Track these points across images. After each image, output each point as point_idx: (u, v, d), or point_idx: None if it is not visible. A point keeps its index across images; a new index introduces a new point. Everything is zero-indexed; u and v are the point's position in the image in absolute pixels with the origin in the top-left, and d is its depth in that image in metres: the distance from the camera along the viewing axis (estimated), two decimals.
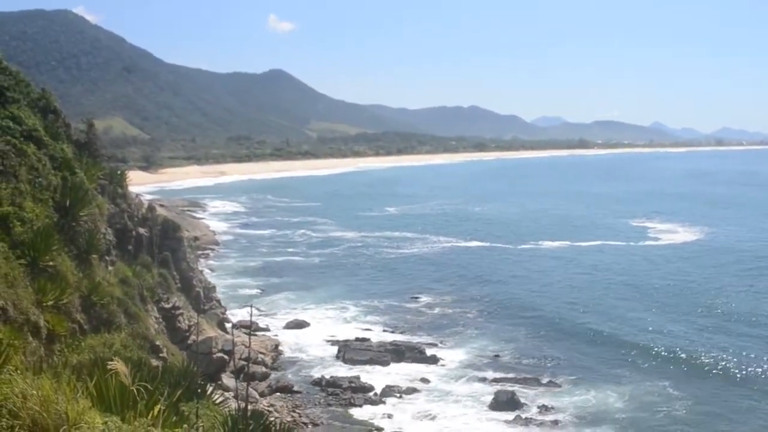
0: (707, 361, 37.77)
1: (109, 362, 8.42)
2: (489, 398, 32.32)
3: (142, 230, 31.45)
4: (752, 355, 38.38)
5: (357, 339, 41.20)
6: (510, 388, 33.22)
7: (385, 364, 37.53)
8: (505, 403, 31.70)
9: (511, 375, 35.89)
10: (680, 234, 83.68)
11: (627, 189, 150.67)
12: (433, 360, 38.23)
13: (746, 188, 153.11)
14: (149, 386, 8.49)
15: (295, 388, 34.03)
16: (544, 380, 35.18)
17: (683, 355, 38.73)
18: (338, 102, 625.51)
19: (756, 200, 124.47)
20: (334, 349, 39.75)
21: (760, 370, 36.26)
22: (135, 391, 8.17)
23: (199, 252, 63.81)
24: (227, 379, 31.19)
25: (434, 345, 40.80)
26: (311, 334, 43.04)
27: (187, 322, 31.48)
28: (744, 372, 36.05)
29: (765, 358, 37.75)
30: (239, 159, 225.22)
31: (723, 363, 37.32)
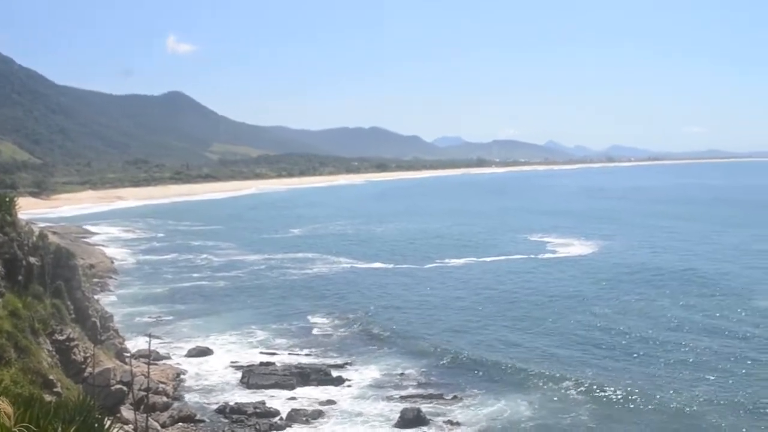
0: (609, 366, 39.25)
1: None
2: (396, 417, 32.50)
3: (33, 259, 30.23)
4: (647, 357, 40.17)
5: (261, 363, 40.70)
6: (416, 406, 33.47)
7: (290, 387, 37.18)
8: (411, 420, 31.93)
9: (416, 392, 36.26)
10: (576, 247, 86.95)
11: (524, 205, 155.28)
12: (339, 381, 38.18)
13: (634, 204, 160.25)
14: (40, 424, 8.16)
15: (198, 417, 33.22)
16: (449, 396, 35.70)
17: (586, 362, 40.16)
18: (240, 124, 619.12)
19: (643, 214, 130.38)
20: (238, 375, 39.11)
21: (656, 370, 37.95)
22: None
23: (96, 280, 61.67)
24: (127, 412, 30.19)
25: (339, 366, 40.75)
26: (214, 360, 42.21)
27: (82, 353, 30.38)
28: (642, 374, 37.64)
29: (661, 361, 39.58)
30: (137, 183, 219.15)
31: (623, 367, 38.90)
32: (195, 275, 70.30)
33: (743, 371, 37.80)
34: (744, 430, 30.53)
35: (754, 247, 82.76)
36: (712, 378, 36.95)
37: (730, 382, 36.20)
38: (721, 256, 76.15)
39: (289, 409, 33.70)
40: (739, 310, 50.90)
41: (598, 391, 35.34)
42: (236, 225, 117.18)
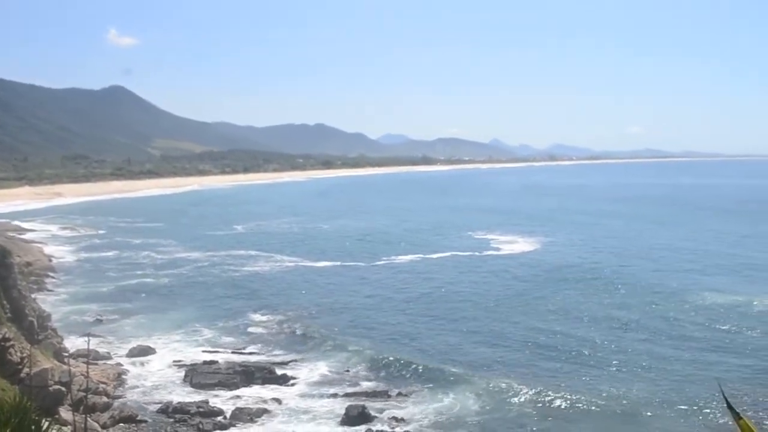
0: (551, 362, 40.01)
1: None
2: (341, 414, 32.53)
3: None
4: (585, 355, 41.03)
5: (205, 362, 40.25)
6: (361, 403, 33.58)
7: (234, 386, 36.89)
8: (356, 417, 32.03)
9: (361, 390, 36.38)
10: (519, 244, 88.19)
11: (469, 203, 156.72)
12: (284, 379, 38.03)
13: (575, 201, 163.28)
14: None
15: (140, 417, 32.69)
16: (394, 392, 35.91)
17: (528, 360, 40.87)
18: (183, 119, 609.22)
19: (583, 212, 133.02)
20: (181, 374, 38.63)
21: (604, 357, 38.78)
22: None
23: (34, 279, 60.09)
24: (65, 413, 29.53)
25: (284, 364, 40.60)
26: (157, 359, 41.58)
27: (19, 354, 29.58)
28: (581, 364, 38.42)
29: (599, 359, 40.47)
30: (76, 179, 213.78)
31: (563, 355, 39.72)
32: (137, 273, 69.00)
33: (678, 369, 38.80)
34: (679, 428, 31.37)
35: (687, 245, 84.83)
36: (650, 375, 37.97)
37: (665, 381, 37.07)
38: (656, 255, 77.90)
39: (233, 408, 33.45)
40: (675, 309, 52.22)
41: (541, 387, 35.91)
42: (179, 222, 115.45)
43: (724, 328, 46.42)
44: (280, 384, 37.45)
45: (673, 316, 49.80)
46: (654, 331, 46.19)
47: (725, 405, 2.46)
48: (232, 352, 42.92)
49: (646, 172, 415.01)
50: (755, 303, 51.27)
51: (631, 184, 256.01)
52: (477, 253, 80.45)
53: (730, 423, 2.53)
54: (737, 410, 2.42)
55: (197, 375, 37.93)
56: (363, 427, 31.33)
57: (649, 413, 32.44)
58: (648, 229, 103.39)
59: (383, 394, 35.55)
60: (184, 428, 31.49)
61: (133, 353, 42.36)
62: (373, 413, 32.60)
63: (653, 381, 36.69)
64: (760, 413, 31.31)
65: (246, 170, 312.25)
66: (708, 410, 31.93)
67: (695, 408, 32.75)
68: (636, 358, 40.65)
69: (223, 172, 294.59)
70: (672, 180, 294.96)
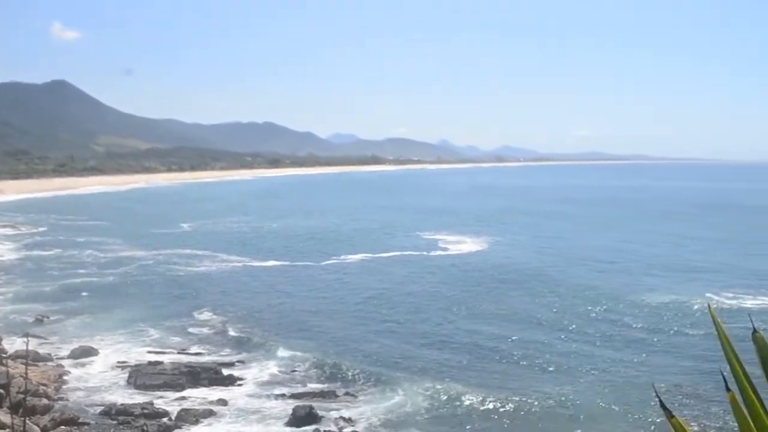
0: (498, 356, 40.44)
1: None
2: (288, 415, 32.38)
3: None
4: (533, 345, 41.66)
5: (150, 363, 39.60)
6: (308, 403, 33.46)
7: (180, 387, 36.40)
8: (303, 418, 31.89)
9: (309, 390, 36.24)
10: (467, 245, 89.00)
11: (417, 203, 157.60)
12: (231, 380, 37.69)
13: (523, 201, 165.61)
14: None
15: (82, 420, 31.98)
16: (342, 392, 35.89)
17: (475, 356, 41.28)
18: (128, 116, 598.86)
19: (530, 212, 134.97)
20: (125, 375, 37.93)
21: (547, 359, 39.39)
22: None
23: None
24: (3, 415, 28.77)
25: (231, 365, 40.22)
26: (100, 360, 40.75)
27: None
28: (529, 365, 38.98)
29: (548, 347, 41.12)
30: (17, 176, 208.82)
31: (507, 357, 40.22)
32: (80, 272, 67.51)
33: (618, 371, 39.38)
34: (616, 428, 32.01)
35: (630, 247, 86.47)
36: (590, 377, 38.68)
37: (605, 382, 37.55)
38: (600, 256, 79.02)
39: (179, 410, 33.01)
40: (617, 310, 52.98)
41: (486, 388, 36.19)
42: (124, 220, 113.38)
43: (663, 328, 47.53)
44: (227, 385, 37.10)
45: (614, 318, 50.67)
46: (595, 333, 46.93)
47: (659, 404, 2.57)
48: (178, 353, 42.33)
49: (593, 174, 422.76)
50: (694, 304, 52.59)
51: (577, 186, 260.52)
52: (425, 253, 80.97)
53: (664, 422, 2.62)
54: (669, 409, 2.52)
55: (141, 376, 37.32)
56: (311, 428, 31.22)
57: (588, 414, 32.87)
58: (592, 230, 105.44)
59: (331, 395, 35.49)
60: (128, 430, 30.94)
61: (75, 354, 41.44)
62: (320, 413, 32.53)
63: (593, 382, 37.23)
64: (696, 411, 32.21)
65: (193, 168, 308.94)
66: (646, 410, 32.58)
67: (633, 407, 33.31)
68: (577, 359, 41.23)
69: (170, 170, 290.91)
70: (617, 182, 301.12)
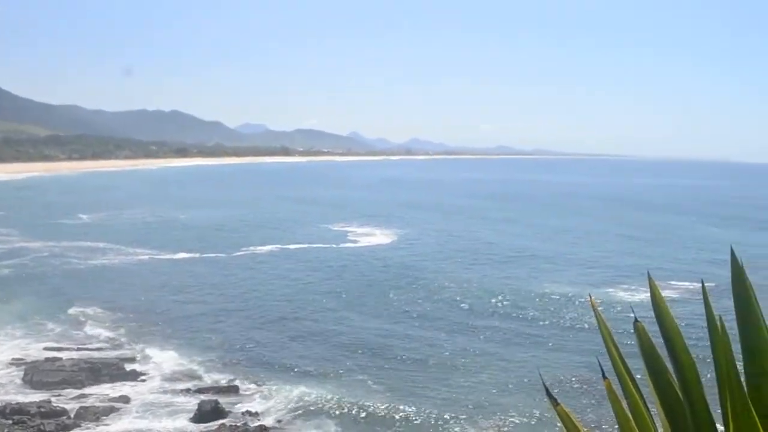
0: (400, 350, 40.88)
1: None
2: (193, 410, 31.84)
3: None
4: (436, 342, 42.34)
5: (47, 359, 38.16)
6: (213, 398, 33.00)
7: (79, 384, 35.22)
8: (209, 413, 31.43)
9: (214, 385, 35.70)
10: (376, 237, 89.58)
11: (328, 195, 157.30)
12: (133, 375, 36.74)
13: (431, 195, 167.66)
14: None
15: None
16: (247, 386, 35.55)
17: (380, 347, 41.82)
18: (25, 101, 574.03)
19: (437, 207, 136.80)
20: (21, 373, 36.41)
21: (445, 354, 40.06)
22: None
23: None
24: None
25: (133, 360, 39.20)
26: None
27: None
28: (429, 356, 39.58)
29: (448, 342, 41.85)
30: None
31: (413, 352, 40.69)
32: None
33: (508, 366, 40.09)
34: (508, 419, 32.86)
35: (526, 243, 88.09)
36: (484, 373, 39.52)
37: (498, 375, 38.22)
38: (497, 251, 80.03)
39: (78, 407, 31.96)
40: (513, 304, 53.85)
41: (386, 383, 36.54)
42: (20, 210, 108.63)
43: (554, 321, 48.82)
44: (129, 381, 36.14)
45: (507, 312, 51.45)
46: (493, 327, 47.41)
47: (545, 393, 2.68)
48: (78, 349, 40.91)
49: (498, 168, 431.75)
50: (581, 296, 54.15)
51: (482, 180, 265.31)
52: (334, 245, 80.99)
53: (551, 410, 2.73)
54: (555, 398, 2.64)
55: (39, 373, 35.89)
56: (216, 423, 30.82)
57: (479, 406, 33.41)
58: (492, 224, 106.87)
59: (236, 389, 35.08)
60: (23, 430, 29.76)
61: None
62: (226, 408, 32.16)
63: (486, 376, 37.70)
64: (584, 400, 33.37)
65: (96, 156, 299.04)
66: (536, 400, 33.32)
67: (522, 399, 34.14)
68: (470, 353, 41.53)
69: (71, 158, 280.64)
70: (520, 176, 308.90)
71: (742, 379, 2.46)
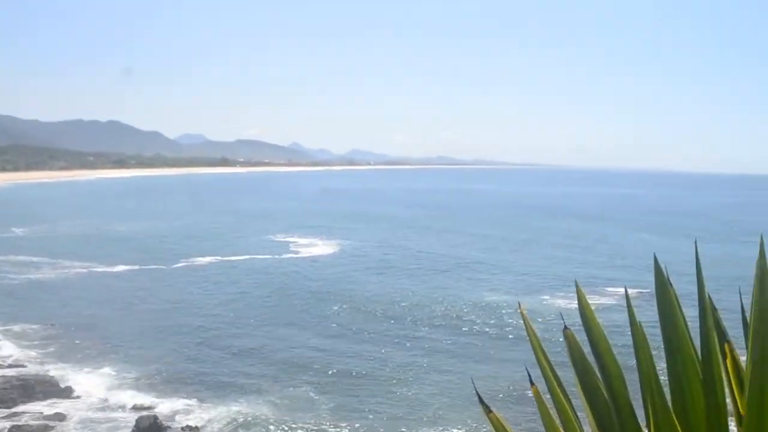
0: (340, 364, 40.81)
1: None
2: (130, 426, 31.20)
3: None
4: (379, 355, 42.42)
5: None
6: (152, 413, 32.43)
7: (11, 403, 34.21)
8: (147, 428, 30.94)
9: (152, 400, 35.17)
10: (318, 247, 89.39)
11: (269, 206, 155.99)
12: (69, 392, 35.88)
13: (372, 205, 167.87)
14: None
15: None
16: (189, 400, 35.14)
17: (320, 361, 41.64)
18: None
19: (378, 215, 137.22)
20: None
21: (384, 368, 40.12)
22: None
23: None
24: None
25: (68, 377, 38.24)
26: None
27: None
28: (368, 370, 39.60)
29: (387, 355, 41.97)
30: None
31: (353, 366, 40.71)
32: None
33: (440, 379, 40.40)
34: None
35: (460, 252, 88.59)
36: (418, 386, 39.92)
37: (434, 387, 38.57)
38: (436, 262, 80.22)
39: (10, 426, 31.00)
40: (449, 315, 54.22)
41: (333, 392, 36.71)
42: None
43: (491, 330, 49.24)
44: (64, 398, 35.28)
45: (449, 323, 51.77)
46: (431, 339, 47.57)
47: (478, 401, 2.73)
48: (9, 366, 39.70)
49: (440, 178, 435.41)
50: (514, 305, 54.82)
51: (424, 189, 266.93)
52: (276, 256, 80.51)
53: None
54: (488, 405, 2.69)
55: None
56: None
57: (415, 418, 33.66)
58: (432, 235, 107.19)
59: (176, 403, 34.58)
60: None
61: None
62: (165, 423, 31.67)
63: (420, 387, 37.88)
64: (517, 406, 33.73)
65: (29, 167, 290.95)
66: (470, 408, 33.59)
67: (457, 408, 34.49)
68: (411, 367, 41.47)
69: (4, 170, 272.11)
70: (458, 186, 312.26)
71: (665, 379, 2.53)
